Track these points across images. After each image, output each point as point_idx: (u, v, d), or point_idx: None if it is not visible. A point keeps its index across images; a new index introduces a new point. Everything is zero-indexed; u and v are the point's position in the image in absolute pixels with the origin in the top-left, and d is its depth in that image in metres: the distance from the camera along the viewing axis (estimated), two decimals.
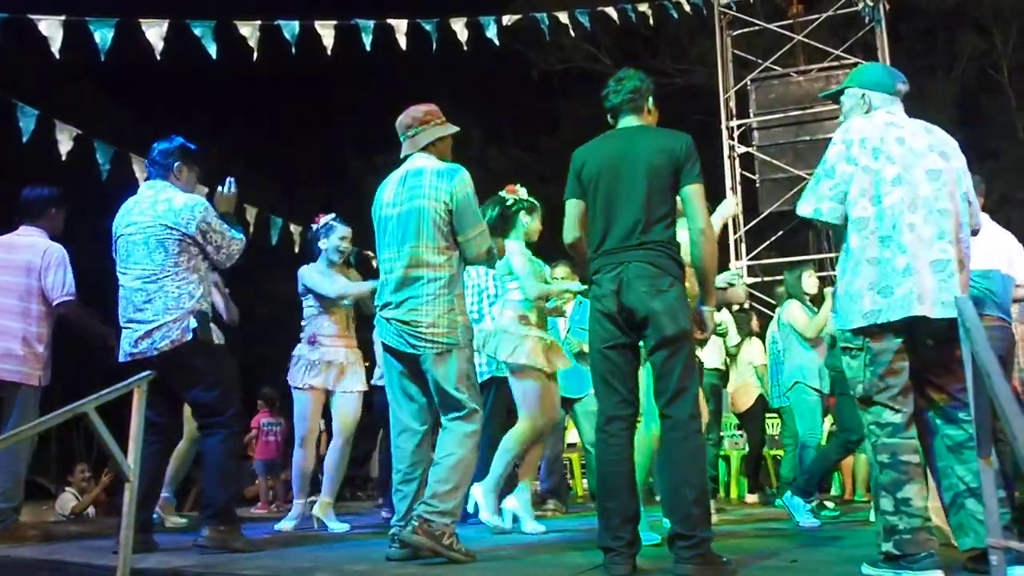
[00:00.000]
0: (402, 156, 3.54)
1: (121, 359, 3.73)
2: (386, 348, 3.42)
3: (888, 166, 2.79)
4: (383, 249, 3.45)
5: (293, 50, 6.69)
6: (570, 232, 3.21)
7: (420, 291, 3.29)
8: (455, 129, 3.55)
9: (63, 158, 6.18)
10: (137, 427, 2.87)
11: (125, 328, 3.72)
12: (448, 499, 3.15)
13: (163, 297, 3.64)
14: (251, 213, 8.10)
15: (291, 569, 3.09)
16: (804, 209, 2.92)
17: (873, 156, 2.81)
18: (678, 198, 3.07)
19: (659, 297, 2.91)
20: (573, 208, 3.20)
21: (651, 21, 9.30)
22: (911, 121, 2.93)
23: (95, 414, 2.69)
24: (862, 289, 2.76)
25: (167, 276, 3.66)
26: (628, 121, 3.22)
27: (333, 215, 5.10)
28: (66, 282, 4.40)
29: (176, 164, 3.87)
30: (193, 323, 3.64)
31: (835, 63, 10.26)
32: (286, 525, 4.80)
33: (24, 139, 5.89)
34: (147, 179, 3.97)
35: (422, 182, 3.35)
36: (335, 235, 4.97)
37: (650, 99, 3.26)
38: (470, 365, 3.35)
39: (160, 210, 3.71)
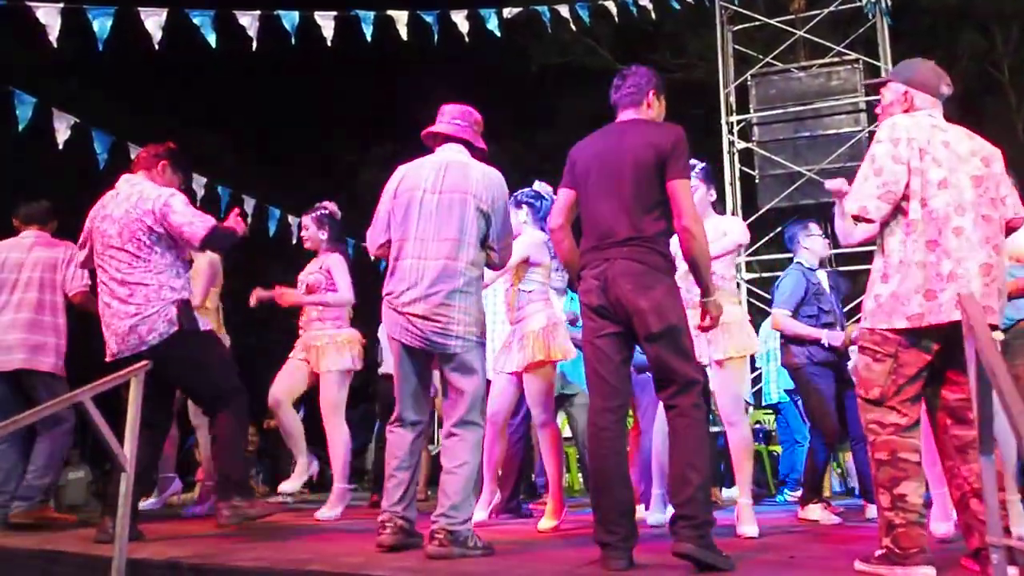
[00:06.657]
0: (432, 131, 3.54)
1: (108, 359, 3.71)
2: (399, 342, 3.33)
3: (934, 168, 2.75)
4: (412, 231, 3.30)
5: (293, 41, 6.67)
6: (554, 217, 3.22)
7: (457, 285, 3.24)
8: (483, 146, 3.60)
9: (60, 147, 6.17)
10: (133, 417, 2.86)
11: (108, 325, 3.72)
12: (465, 507, 3.20)
13: (143, 289, 3.66)
14: (249, 204, 8.09)
15: (288, 560, 3.07)
16: (851, 207, 2.82)
17: (920, 157, 2.76)
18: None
19: (644, 294, 2.89)
20: (563, 196, 3.22)
21: (652, 15, 9.25)
22: (952, 126, 2.90)
23: (91, 403, 2.69)
24: (908, 292, 2.72)
25: (144, 268, 3.68)
26: (625, 115, 3.20)
27: None
28: (83, 275, 4.64)
29: (161, 163, 4.00)
30: (175, 312, 3.66)
31: (836, 59, 10.22)
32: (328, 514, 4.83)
33: (20, 128, 5.87)
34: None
35: (469, 175, 3.35)
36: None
37: (650, 93, 3.20)
38: (485, 367, 3.37)
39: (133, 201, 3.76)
